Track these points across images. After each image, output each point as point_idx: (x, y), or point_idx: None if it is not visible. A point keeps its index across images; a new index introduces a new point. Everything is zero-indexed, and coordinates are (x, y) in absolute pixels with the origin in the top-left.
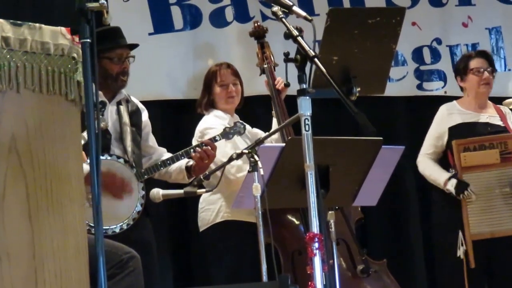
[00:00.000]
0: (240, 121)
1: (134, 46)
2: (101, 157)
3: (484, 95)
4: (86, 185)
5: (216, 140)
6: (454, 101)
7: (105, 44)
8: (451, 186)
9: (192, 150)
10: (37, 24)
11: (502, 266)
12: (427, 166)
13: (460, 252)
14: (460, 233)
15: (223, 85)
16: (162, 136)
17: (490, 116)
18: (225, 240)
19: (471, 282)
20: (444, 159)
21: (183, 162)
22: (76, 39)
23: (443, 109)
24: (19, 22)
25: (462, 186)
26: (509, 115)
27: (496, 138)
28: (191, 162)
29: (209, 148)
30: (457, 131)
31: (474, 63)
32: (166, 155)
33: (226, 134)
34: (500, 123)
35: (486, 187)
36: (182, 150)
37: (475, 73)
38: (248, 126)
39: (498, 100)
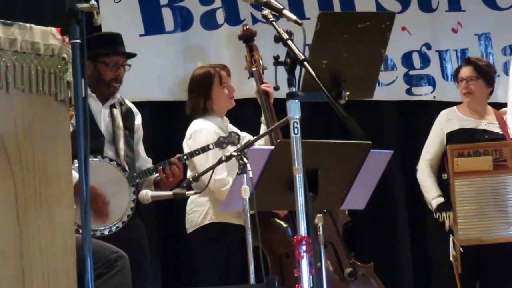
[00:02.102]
0: (235, 131)
1: (132, 55)
2: (94, 159)
3: (472, 104)
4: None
5: (210, 149)
6: (455, 107)
7: (103, 49)
8: (435, 202)
9: (161, 167)
10: (28, 24)
11: (493, 272)
12: (424, 176)
13: (452, 257)
14: (451, 238)
15: (225, 86)
16: (151, 137)
17: (489, 123)
18: (213, 242)
19: (463, 286)
20: (441, 164)
21: (153, 176)
22: (67, 39)
23: (442, 114)
24: (9, 21)
25: (444, 207)
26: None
27: (492, 145)
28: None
29: (175, 166)
30: (454, 137)
31: (460, 72)
32: (148, 165)
33: (220, 143)
34: (498, 130)
35: (478, 193)
36: (168, 160)
37: (459, 82)
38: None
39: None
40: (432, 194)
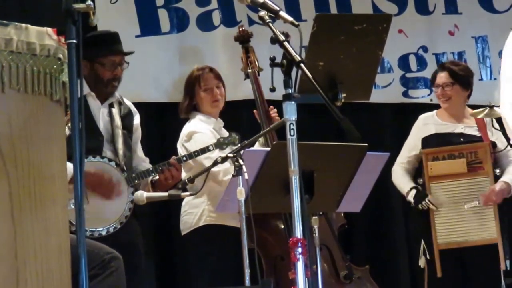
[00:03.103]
0: (235, 132)
1: (129, 53)
2: (93, 159)
3: (450, 109)
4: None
5: (210, 150)
6: (434, 111)
7: (99, 49)
8: (411, 196)
9: (160, 168)
10: (24, 24)
11: (475, 275)
12: (397, 176)
13: (421, 262)
14: (422, 243)
15: (207, 89)
16: (146, 138)
17: (466, 126)
18: (207, 244)
19: None
20: (419, 169)
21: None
22: (62, 39)
23: (420, 119)
24: (5, 21)
25: (420, 196)
26: (490, 123)
27: (466, 148)
28: (156, 177)
29: (174, 168)
30: (428, 142)
31: (436, 78)
32: (145, 164)
33: (220, 144)
34: (476, 133)
35: (454, 196)
36: (168, 160)
37: (435, 88)
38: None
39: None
40: (406, 189)
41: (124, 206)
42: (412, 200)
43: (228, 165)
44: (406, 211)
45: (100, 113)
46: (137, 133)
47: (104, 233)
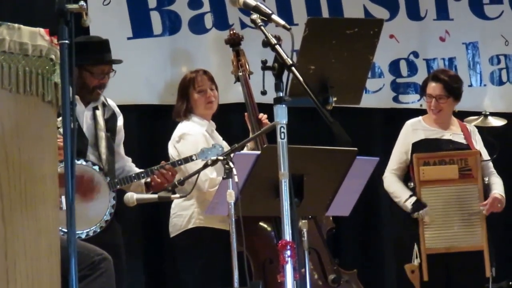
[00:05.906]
0: (218, 144)
1: (117, 62)
2: (77, 162)
3: (439, 119)
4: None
5: (193, 160)
6: (420, 117)
7: (90, 57)
8: (409, 203)
9: (156, 170)
10: (16, 25)
11: (460, 280)
12: (392, 183)
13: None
14: (415, 246)
15: (201, 91)
16: (137, 140)
17: (453, 133)
18: (196, 247)
19: None
20: (407, 174)
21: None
22: (55, 40)
23: (407, 125)
24: None
25: (419, 205)
26: (474, 133)
27: (457, 154)
28: (149, 179)
29: (169, 173)
30: (419, 147)
31: (428, 88)
32: (130, 164)
33: (203, 154)
34: (463, 141)
35: (444, 202)
36: (157, 166)
37: (427, 99)
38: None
39: (475, 116)
40: (404, 197)
41: (105, 211)
42: (409, 207)
43: (214, 175)
44: (394, 216)
45: (84, 116)
46: (121, 134)
47: (83, 236)
